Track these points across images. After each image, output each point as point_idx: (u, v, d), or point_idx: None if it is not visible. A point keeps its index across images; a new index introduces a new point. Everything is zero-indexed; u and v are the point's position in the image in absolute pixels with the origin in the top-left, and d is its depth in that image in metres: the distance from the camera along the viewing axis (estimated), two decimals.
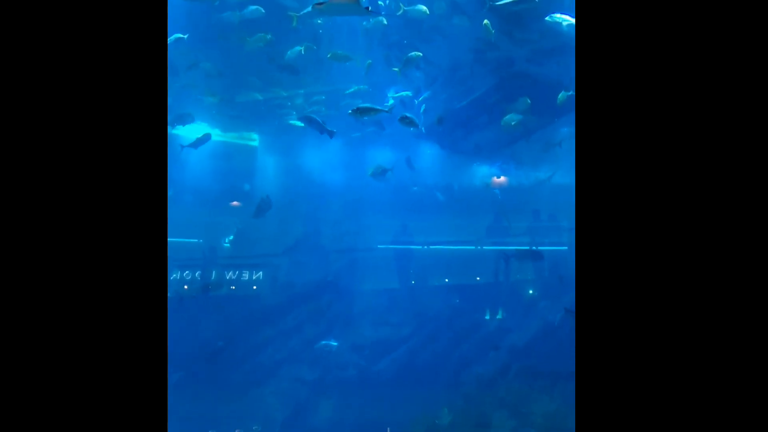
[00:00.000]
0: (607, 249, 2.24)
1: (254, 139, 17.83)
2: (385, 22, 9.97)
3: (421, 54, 9.87)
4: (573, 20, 8.49)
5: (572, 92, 9.90)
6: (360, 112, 8.67)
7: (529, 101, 10.60)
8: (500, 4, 8.18)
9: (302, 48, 10.61)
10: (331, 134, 9.79)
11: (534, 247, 12.99)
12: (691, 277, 2.14)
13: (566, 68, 11.24)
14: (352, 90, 12.68)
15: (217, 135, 14.35)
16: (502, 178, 15.99)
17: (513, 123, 10.61)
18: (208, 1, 9.77)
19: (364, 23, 10.49)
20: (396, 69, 10.07)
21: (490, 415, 10.41)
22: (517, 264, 13.54)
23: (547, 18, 8.70)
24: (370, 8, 7.55)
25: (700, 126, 2.17)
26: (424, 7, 9.48)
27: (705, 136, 2.17)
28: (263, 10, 9.82)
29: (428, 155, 16.75)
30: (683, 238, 2.16)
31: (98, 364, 2.17)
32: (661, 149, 2.20)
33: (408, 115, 9.18)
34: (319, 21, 10.45)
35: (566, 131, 15.88)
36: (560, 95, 9.95)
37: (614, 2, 2.27)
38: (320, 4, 6.89)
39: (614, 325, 2.21)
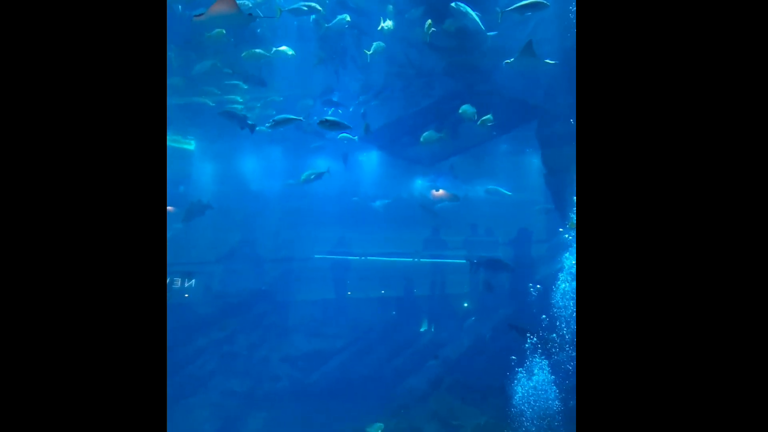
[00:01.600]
0: (606, 252, 2.24)
1: (190, 143, 17.36)
2: (348, 18, 9.64)
3: (384, 45, 9.66)
4: (473, 14, 8.51)
5: (490, 116, 9.81)
6: (277, 123, 8.66)
7: (473, 110, 10.50)
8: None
9: (212, 62, 10.40)
10: (252, 129, 9.62)
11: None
12: (691, 280, 2.15)
13: (510, 82, 11.34)
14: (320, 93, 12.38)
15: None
16: (441, 191, 16.08)
17: (434, 139, 10.63)
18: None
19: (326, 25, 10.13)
20: (368, 52, 9.73)
21: (421, 428, 10.39)
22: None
23: (452, 4, 8.59)
24: (252, 14, 7.51)
25: (698, 129, 2.19)
26: (390, 23, 9.39)
27: (704, 139, 2.18)
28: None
29: (369, 163, 16.73)
30: (683, 240, 2.17)
31: (96, 366, 2.20)
32: (658, 151, 2.21)
33: (329, 118, 8.95)
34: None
35: (505, 147, 16.21)
36: (484, 117, 9.84)
37: (614, 4, 2.29)
38: (199, 15, 6.83)
39: (615, 328, 2.20)
